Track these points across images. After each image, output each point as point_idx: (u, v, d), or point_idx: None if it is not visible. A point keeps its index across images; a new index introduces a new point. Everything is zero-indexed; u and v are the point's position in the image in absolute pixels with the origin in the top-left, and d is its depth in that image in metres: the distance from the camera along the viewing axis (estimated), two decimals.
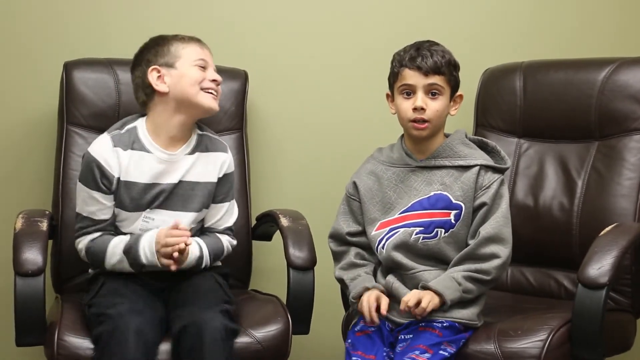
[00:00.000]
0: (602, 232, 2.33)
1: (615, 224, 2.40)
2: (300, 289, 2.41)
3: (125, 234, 2.41)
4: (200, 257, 2.40)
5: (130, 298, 2.28)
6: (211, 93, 2.41)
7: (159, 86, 2.38)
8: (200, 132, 2.48)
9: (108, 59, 2.72)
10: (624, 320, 2.50)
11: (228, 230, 2.51)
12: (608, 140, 2.63)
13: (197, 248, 2.40)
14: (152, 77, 2.39)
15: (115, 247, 2.37)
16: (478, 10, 3.00)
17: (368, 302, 2.28)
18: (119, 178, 2.38)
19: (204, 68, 2.41)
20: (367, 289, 2.32)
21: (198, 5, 2.88)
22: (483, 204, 2.33)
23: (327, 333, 2.68)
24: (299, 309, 2.40)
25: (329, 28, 2.96)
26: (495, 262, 2.27)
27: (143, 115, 2.46)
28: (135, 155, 2.39)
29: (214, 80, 2.41)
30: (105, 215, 2.40)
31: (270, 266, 2.82)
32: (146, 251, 2.33)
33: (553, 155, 2.72)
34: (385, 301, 2.29)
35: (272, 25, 2.92)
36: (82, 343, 2.24)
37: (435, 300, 2.24)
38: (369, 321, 2.29)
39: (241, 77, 2.79)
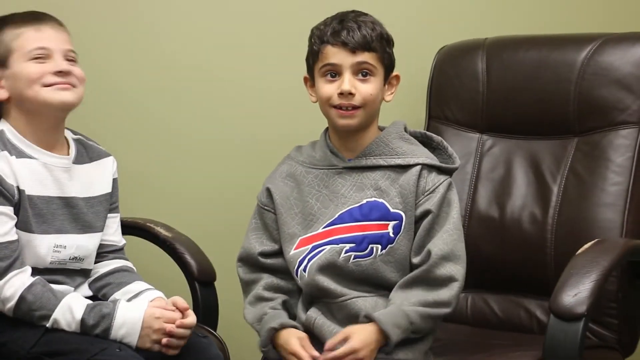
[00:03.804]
0: (581, 250, 2.18)
1: (596, 240, 2.25)
2: (208, 301, 2.42)
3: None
4: None
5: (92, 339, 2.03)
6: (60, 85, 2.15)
7: None
8: (74, 137, 2.25)
9: None
10: (609, 359, 2.36)
11: (123, 251, 2.34)
12: (590, 136, 2.49)
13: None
14: None
15: (69, 311, 2.06)
16: None
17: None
18: (18, 187, 2.09)
19: (43, 59, 2.13)
20: (275, 329, 2.15)
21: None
22: (427, 212, 2.16)
23: None
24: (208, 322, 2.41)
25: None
26: (455, 288, 2.12)
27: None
28: (19, 163, 2.11)
29: (58, 72, 2.13)
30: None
31: None
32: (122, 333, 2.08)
33: (523, 154, 2.57)
34: (306, 342, 2.11)
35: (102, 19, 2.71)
36: None
37: (374, 344, 2.06)
38: None
39: None
